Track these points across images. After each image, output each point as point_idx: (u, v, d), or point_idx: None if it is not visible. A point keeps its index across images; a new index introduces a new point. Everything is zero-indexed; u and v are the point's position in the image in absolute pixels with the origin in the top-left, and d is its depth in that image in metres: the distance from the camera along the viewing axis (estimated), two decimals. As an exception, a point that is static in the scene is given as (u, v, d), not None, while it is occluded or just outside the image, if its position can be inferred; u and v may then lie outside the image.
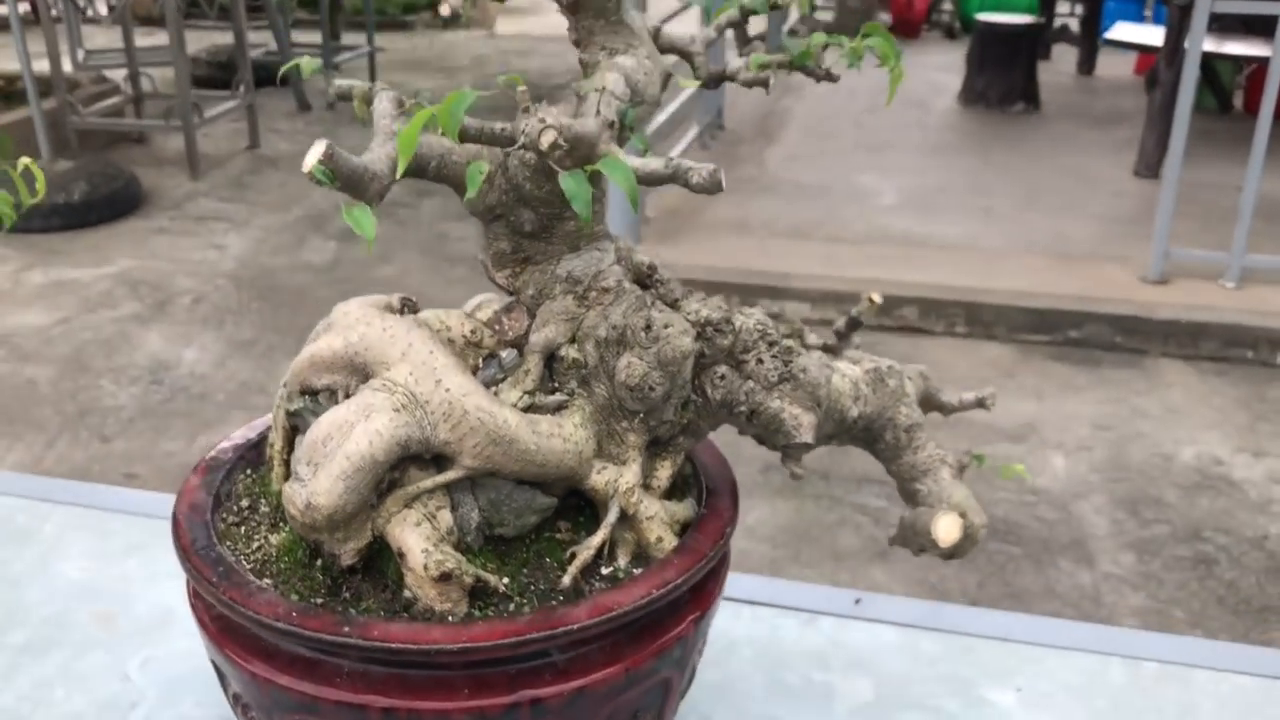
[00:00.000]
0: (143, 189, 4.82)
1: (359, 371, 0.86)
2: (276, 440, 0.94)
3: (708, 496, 0.97)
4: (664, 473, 0.93)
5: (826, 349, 1.09)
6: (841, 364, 0.98)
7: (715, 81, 0.89)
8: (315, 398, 0.89)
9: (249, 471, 0.99)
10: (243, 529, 0.92)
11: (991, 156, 5.59)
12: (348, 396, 0.87)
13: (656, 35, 0.88)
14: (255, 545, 0.90)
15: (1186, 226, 4.26)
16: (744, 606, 1.28)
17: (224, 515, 0.93)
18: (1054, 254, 4.21)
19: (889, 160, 5.42)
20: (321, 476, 0.81)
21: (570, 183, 0.65)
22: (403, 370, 0.83)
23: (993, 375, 3.51)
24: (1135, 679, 1.17)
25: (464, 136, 0.72)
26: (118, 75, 6.01)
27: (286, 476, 0.92)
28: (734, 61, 0.88)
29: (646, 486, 0.92)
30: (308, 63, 0.90)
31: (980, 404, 1.10)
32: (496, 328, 0.91)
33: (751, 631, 1.23)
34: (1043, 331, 3.76)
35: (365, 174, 0.79)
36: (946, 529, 0.87)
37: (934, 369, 3.53)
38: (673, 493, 0.95)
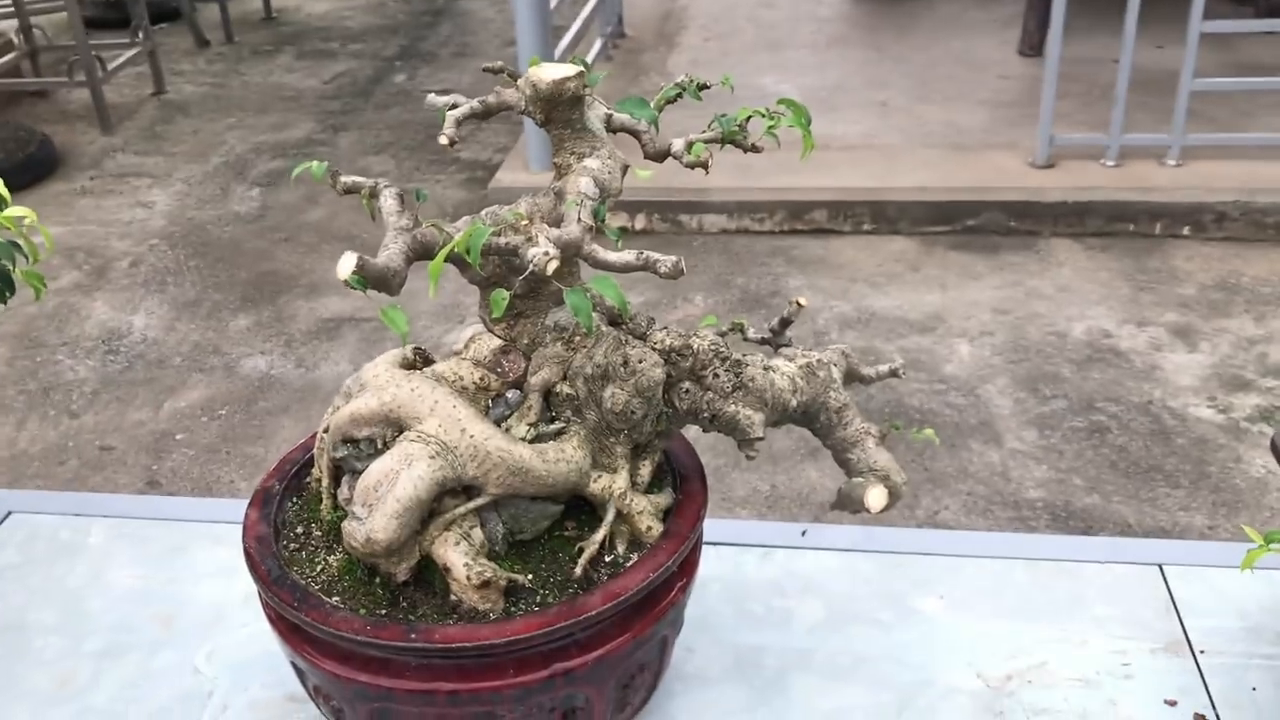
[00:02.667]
0: (56, 149, 4.81)
1: (394, 424, 1.06)
2: (324, 479, 1.13)
3: (682, 482, 1.19)
4: (645, 470, 1.15)
5: (765, 343, 1.30)
6: (780, 362, 1.20)
7: (660, 158, 1.08)
8: (356, 445, 1.08)
9: (295, 500, 1.18)
10: (304, 554, 1.11)
11: (884, 47, 5.78)
12: (386, 445, 1.06)
13: (609, 121, 1.06)
14: (319, 567, 1.09)
15: (1070, 106, 4.51)
16: (709, 548, 1.52)
17: (285, 543, 1.13)
18: (948, 145, 4.45)
19: (788, 59, 5.58)
20: (377, 516, 1.01)
21: (574, 299, 0.84)
22: (433, 423, 1.03)
23: (899, 269, 3.77)
24: (1035, 577, 1.44)
25: (484, 253, 0.90)
26: (6, 28, 5.88)
27: (334, 507, 1.12)
28: (676, 143, 1.06)
29: (633, 483, 1.13)
30: (317, 167, 1.07)
31: (894, 374, 1.33)
32: (499, 370, 1.11)
33: (718, 570, 1.47)
34: (943, 223, 4.01)
35: (389, 273, 0.98)
36: (876, 498, 1.10)
37: (845, 268, 3.87)
38: (653, 484, 1.17)
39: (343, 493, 1.11)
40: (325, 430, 1.12)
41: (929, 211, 4.02)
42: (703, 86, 1.08)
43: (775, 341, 1.28)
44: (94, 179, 4.64)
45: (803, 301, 1.24)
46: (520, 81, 1.00)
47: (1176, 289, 3.54)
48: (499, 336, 1.12)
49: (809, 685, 1.28)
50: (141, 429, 3.06)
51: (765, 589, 1.43)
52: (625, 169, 1.04)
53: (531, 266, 0.84)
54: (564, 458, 1.06)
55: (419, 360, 1.14)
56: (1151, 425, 2.92)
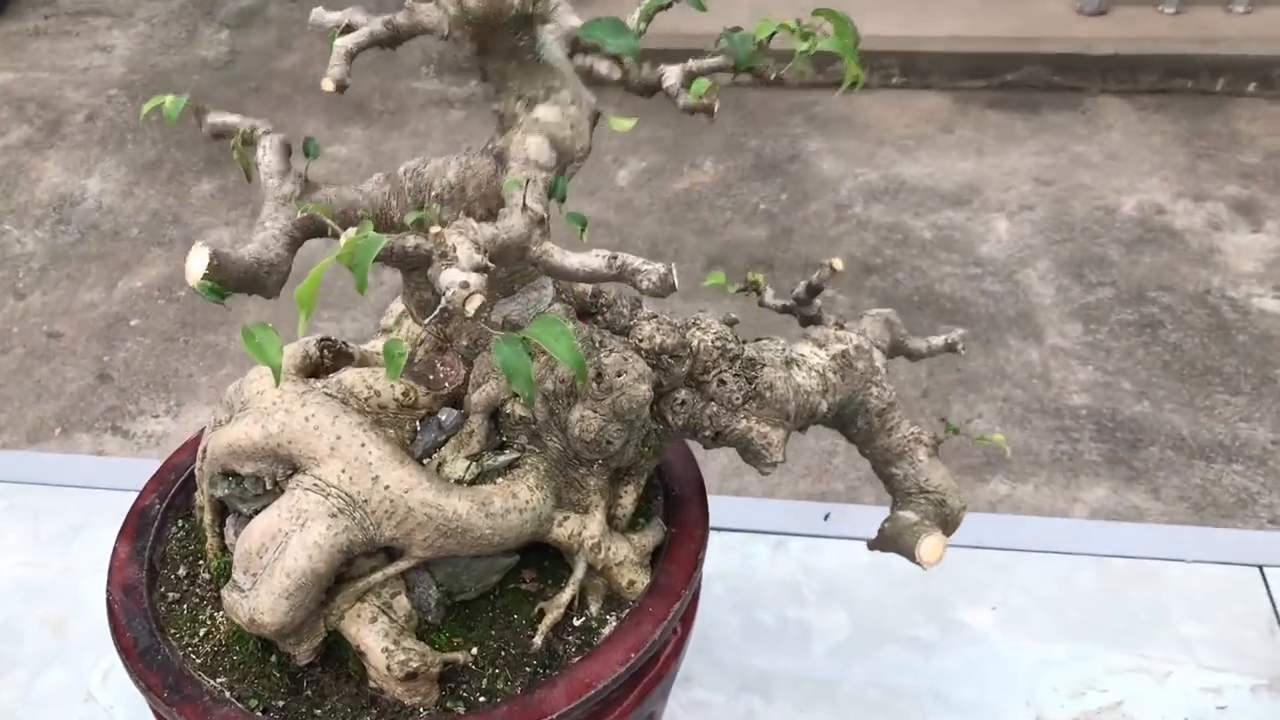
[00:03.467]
0: (5, -18, 4.39)
1: (284, 461, 0.78)
2: (205, 515, 0.86)
3: (675, 508, 0.92)
4: (628, 499, 0.88)
5: (786, 310, 1.01)
6: (807, 349, 0.91)
7: (648, 92, 0.77)
8: (240, 482, 0.81)
9: (180, 524, 0.92)
10: (185, 608, 0.86)
11: None
12: (277, 485, 0.79)
13: (575, 45, 0.75)
14: (203, 631, 0.84)
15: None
16: (712, 534, 1.26)
17: (162, 591, 0.87)
18: (988, -16, 4.00)
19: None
20: (263, 593, 0.75)
21: (506, 355, 0.56)
22: (334, 468, 0.76)
23: (931, 130, 3.41)
24: (1105, 581, 1.18)
25: (381, 258, 0.61)
26: None
27: (220, 548, 0.86)
28: (668, 73, 0.76)
29: (611, 518, 0.87)
30: (172, 103, 0.76)
31: (950, 348, 1.04)
32: (429, 380, 0.83)
33: (722, 565, 1.21)
34: (979, 77, 3.63)
35: (260, 269, 0.69)
36: (930, 551, 0.83)
37: (871, 129, 3.50)
38: (637, 512, 0.90)
39: (228, 535, 0.85)
40: (203, 453, 0.85)
41: (964, 64, 3.63)
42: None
43: (801, 311, 1.00)
44: (48, 18, 4.24)
45: (837, 265, 0.95)
46: (442, -4, 0.69)
47: (1239, 156, 3.19)
48: (431, 335, 0.83)
49: (831, 737, 1.04)
50: (93, 312, 2.79)
51: (779, 593, 1.18)
52: (596, 118, 0.73)
53: (444, 302, 0.56)
54: (515, 505, 0.79)
55: (327, 358, 0.86)
56: (1209, 319, 2.63)
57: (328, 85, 0.66)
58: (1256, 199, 3.02)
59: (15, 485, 1.32)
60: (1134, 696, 1.07)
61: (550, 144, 0.68)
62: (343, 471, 0.75)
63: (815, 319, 1.00)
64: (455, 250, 0.58)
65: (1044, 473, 2.23)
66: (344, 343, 0.87)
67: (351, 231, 0.60)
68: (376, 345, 0.91)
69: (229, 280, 0.67)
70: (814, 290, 0.97)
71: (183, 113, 0.76)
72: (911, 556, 0.84)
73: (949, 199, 3.09)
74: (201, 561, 0.88)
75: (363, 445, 0.75)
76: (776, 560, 1.22)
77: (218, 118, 0.78)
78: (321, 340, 0.86)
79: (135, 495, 1.29)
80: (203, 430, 0.98)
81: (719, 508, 1.28)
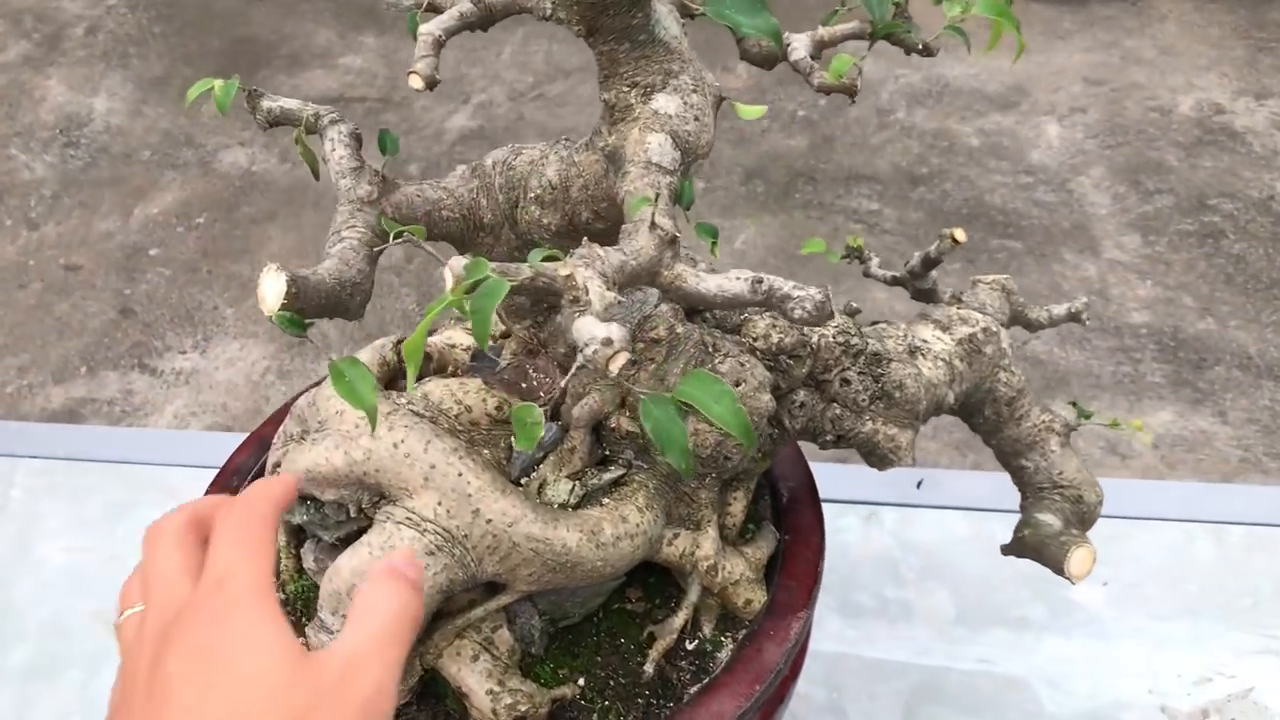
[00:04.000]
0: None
1: (370, 489, 0.70)
2: (279, 535, 0.78)
3: (786, 511, 0.84)
4: (737, 506, 0.80)
5: (896, 282, 0.92)
6: (929, 334, 0.82)
7: (769, 63, 0.67)
8: (320, 507, 0.73)
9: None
10: (260, 634, 0.78)
11: None
12: (362, 513, 0.71)
13: (684, 11, 0.65)
14: (281, 662, 0.76)
15: None
16: (798, 505, 1.19)
17: (234, 615, 0.79)
18: None
19: None
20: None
21: (658, 418, 0.47)
22: (429, 500, 0.67)
23: (972, 25, 3.23)
24: (1226, 550, 1.11)
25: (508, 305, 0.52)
26: None
27: (297, 569, 0.78)
28: (795, 43, 0.65)
29: (721, 529, 0.79)
30: (223, 88, 0.66)
31: (1074, 318, 0.95)
32: (524, 386, 0.74)
33: (811, 539, 1.14)
34: (1024, -34, 3.44)
35: (342, 290, 0.60)
36: (1081, 563, 0.76)
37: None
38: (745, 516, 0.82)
39: (306, 560, 0.77)
40: (276, 466, 0.77)
41: (1007, -47, 3.44)
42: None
43: (914, 285, 0.90)
44: (43, -77, 4.04)
45: (959, 236, 0.85)
46: (547, -33, 0.59)
47: (1299, 48, 3.03)
48: (521, 339, 0.74)
49: (945, 734, 0.98)
50: (110, 242, 2.69)
51: (874, 571, 1.11)
52: (719, 103, 0.63)
53: (581, 360, 0.47)
54: (626, 531, 0.70)
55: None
56: (1274, 227, 2.51)
57: (416, 83, 0.56)
58: (1320, 95, 2.88)
59: (53, 462, 1.25)
60: (1266, 682, 1.00)
61: (673, 141, 0.58)
62: (439, 504, 0.67)
63: (929, 293, 0.90)
64: (587, 292, 0.49)
65: (1106, 396, 2.15)
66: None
67: (460, 264, 0.51)
68: (450, 336, 0.83)
69: (309, 308, 0.58)
70: (930, 263, 0.88)
71: (234, 97, 0.66)
72: (1060, 570, 0.76)
73: (996, 102, 2.95)
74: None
75: (460, 475, 0.67)
76: (869, 535, 1.15)
77: (273, 103, 0.68)
78: (399, 342, 0.77)
79: (187, 470, 1.22)
80: (264, 428, 0.90)
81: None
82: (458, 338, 0.82)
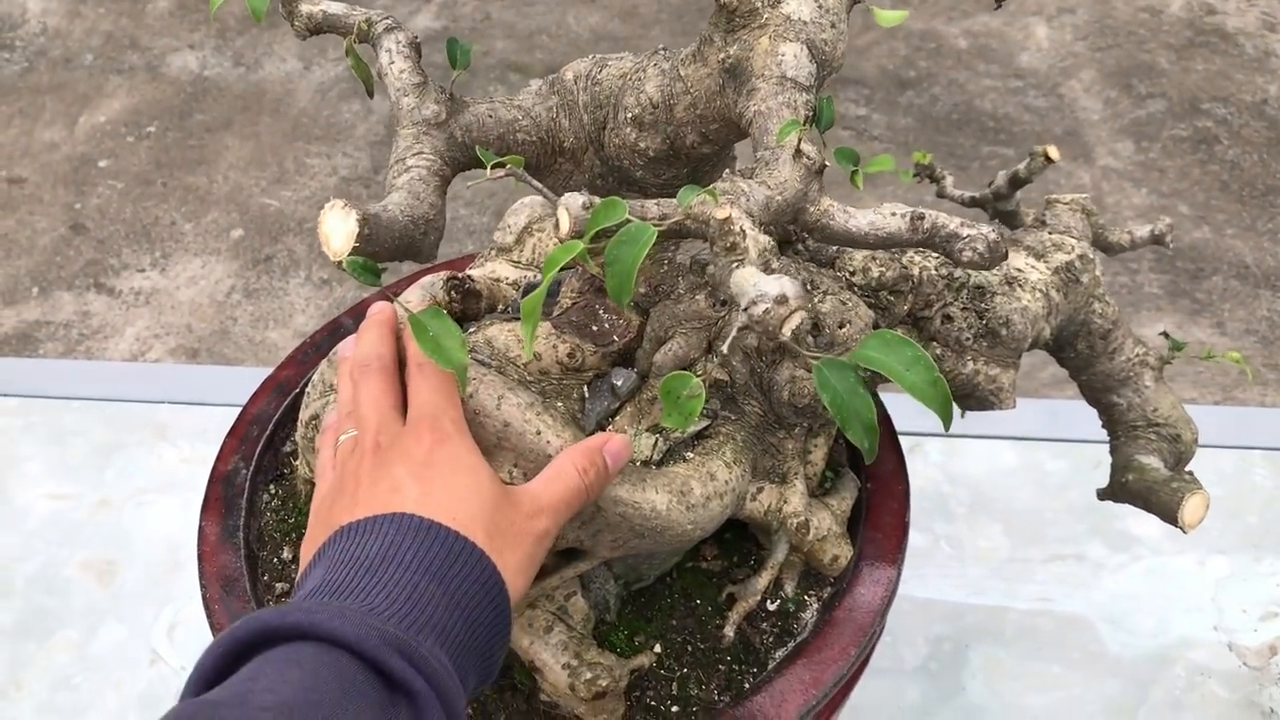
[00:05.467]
0: None
1: (433, 448, 0.62)
2: (307, 488, 0.71)
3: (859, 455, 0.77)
4: (819, 454, 0.73)
5: (974, 203, 0.85)
6: (1024, 262, 0.75)
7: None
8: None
9: (273, 490, 0.77)
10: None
11: None
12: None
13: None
14: (323, 633, 0.69)
15: None
16: (836, 436, 1.12)
17: (267, 581, 0.72)
18: None
19: None
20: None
21: (837, 391, 0.40)
22: (504, 462, 0.60)
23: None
24: (1282, 478, 1.06)
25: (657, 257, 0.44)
26: None
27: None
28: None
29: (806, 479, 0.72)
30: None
31: (1158, 240, 0.88)
32: (596, 329, 0.66)
33: (852, 472, 1.08)
34: None
35: (415, 228, 0.51)
36: (1194, 511, 0.70)
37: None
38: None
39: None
40: (314, 419, 0.69)
41: None
42: None
43: (995, 206, 0.83)
44: None
45: (1053, 154, 0.78)
46: None
47: (1287, -55, 2.95)
48: (593, 272, 0.66)
49: (998, 667, 0.94)
50: (56, 154, 2.53)
51: (923, 506, 1.06)
52: (853, 5, 0.55)
53: (744, 319, 0.39)
54: (715, 489, 0.64)
55: (455, 301, 0.68)
56: (1268, 132, 2.46)
57: None
58: (1311, -5, 2.81)
59: (31, 400, 1.15)
60: (1333, 616, 0.96)
61: (809, 53, 0.49)
62: (514, 466, 0.60)
63: (1012, 214, 0.83)
64: (745, 238, 0.41)
65: (1103, 308, 2.10)
66: (469, 278, 0.70)
67: (577, 202, 0.43)
68: (494, 269, 0.74)
69: (382, 250, 0.49)
70: (1018, 183, 0.80)
71: (271, 4, 0.57)
72: (1172, 519, 0.71)
73: (982, 1, 2.85)
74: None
75: (538, 433, 0.59)
76: (914, 467, 1.08)
77: (314, 6, 0.58)
78: (450, 280, 0.68)
79: (178, 408, 1.13)
80: (282, 367, 0.82)
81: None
82: (502, 271, 0.74)
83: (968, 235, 0.46)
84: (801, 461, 0.69)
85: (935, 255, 0.69)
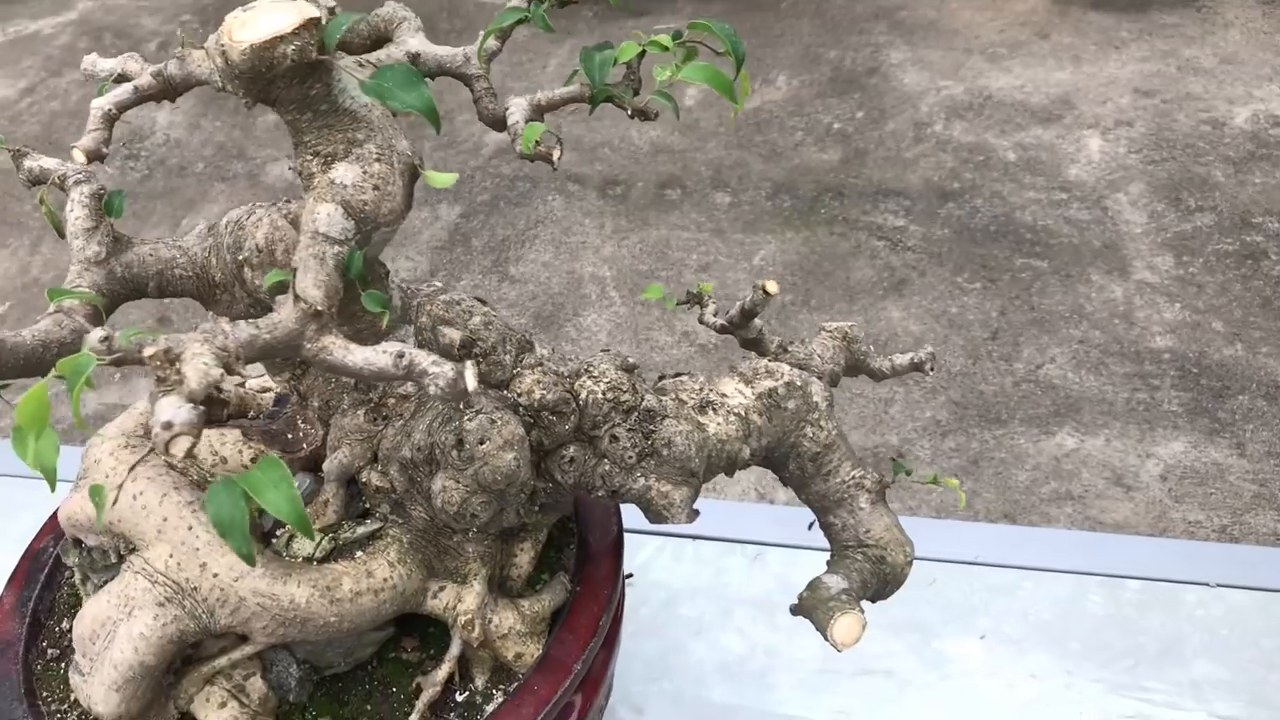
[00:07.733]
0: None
1: (119, 538, 0.72)
2: (76, 574, 0.81)
3: (585, 562, 0.83)
4: (524, 558, 0.80)
5: (725, 331, 0.91)
6: (732, 387, 0.81)
7: (498, 125, 0.66)
8: (88, 552, 0.76)
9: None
10: (62, 666, 0.81)
11: None
12: (120, 556, 0.74)
13: (415, 60, 0.65)
14: (74, 695, 0.79)
15: None
16: (686, 543, 1.17)
17: (43, 646, 0.82)
18: None
19: None
20: (95, 683, 0.70)
21: (221, 503, 0.48)
22: (161, 552, 0.69)
23: (1025, 36, 3.15)
24: (1116, 606, 1.06)
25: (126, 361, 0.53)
26: None
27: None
28: (513, 107, 0.65)
29: (505, 579, 0.79)
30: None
31: (917, 368, 0.92)
32: (290, 437, 0.75)
33: (695, 579, 1.13)
34: (1084, -28, 3.33)
35: (46, 351, 0.62)
36: (846, 632, 0.74)
37: (959, 35, 3.22)
38: (544, 561, 0.82)
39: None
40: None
41: (1067, -42, 3.33)
42: (565, 2, 0.66)
43: (738, 334, 0.89)
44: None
45: (771, 289, 0.84)
46: (208, 44, 0.60)
47: (1371, 56, 2.87)
48: (284, 389, 0.76)
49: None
50: (155, 253, 2.79)
51: (752, 613, 1.10)
52: (413, 173, 0.63)
53: (152, 440, 0.48)
54: (370, 585, 0.71)
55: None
56: (1319, 248, 2.39)
57: (79, 157, 0.57)
58: (1388, 107, 2.72)
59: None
60: (1130, 750, 0.96)
61: (345, 211, 0.58)
62: (170, 556, 0.69)
63: (755, 342, 0.89)
64: (181, 372, 0.50)
65: (1117, 424, 2.07)
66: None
67: (97, 337, 0.52)
68: (261, 383, 0.84)
69: (3, 371, 0.60)
70: (748, 314, 0.86)
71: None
72: (825, 636, 0.75)
73: (1038, 115, 2.86)
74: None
75: (190, 528, 0.69)
76: (753, 575, 1.13)
77: (34, 162, 0.70)
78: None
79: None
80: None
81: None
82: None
83: (434, 372, 0.54)
84: (486, 564, 0.76)
85: (605, 380, 0.76)
